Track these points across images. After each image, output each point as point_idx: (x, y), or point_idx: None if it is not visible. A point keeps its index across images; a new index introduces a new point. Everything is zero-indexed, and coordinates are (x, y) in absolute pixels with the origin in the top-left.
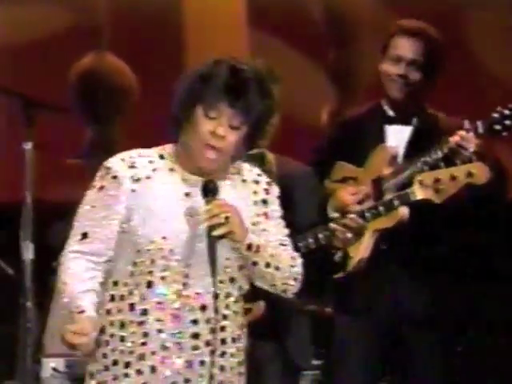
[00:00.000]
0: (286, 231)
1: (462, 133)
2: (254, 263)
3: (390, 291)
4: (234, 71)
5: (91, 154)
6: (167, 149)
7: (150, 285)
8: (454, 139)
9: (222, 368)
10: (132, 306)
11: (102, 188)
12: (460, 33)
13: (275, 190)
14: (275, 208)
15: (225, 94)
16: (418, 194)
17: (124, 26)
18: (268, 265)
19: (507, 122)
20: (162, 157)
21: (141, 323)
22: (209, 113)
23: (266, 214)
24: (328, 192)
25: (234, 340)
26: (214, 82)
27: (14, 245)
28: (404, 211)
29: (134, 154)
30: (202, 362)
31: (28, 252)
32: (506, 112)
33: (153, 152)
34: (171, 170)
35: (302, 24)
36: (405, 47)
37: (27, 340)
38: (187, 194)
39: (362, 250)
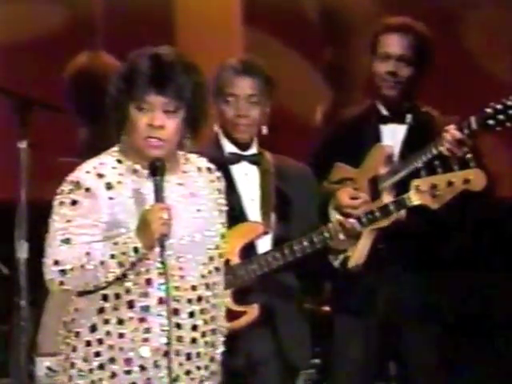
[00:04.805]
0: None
1: (455, 132)
2: None
3: (387, 290)
4: (154, 59)
5: (86, 153)
6: (115, 153)
7: (149, 282)
8: (447, 139)
9: (212, 359)
10: (131, 304)
11: (75, 203)
12: (455, 31)
13: (223, 178)
14: (224, 198)
15: (150, 83)
16: (414, 199)
17: (118, 25)
18: None
19: (501, 117)
20: (119, 161)
21: (142, 320)
22: (141, 106)
23: (222, 204)
24: (329, 192)
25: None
26: (138, 75)
27: (8, 244)
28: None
29: (95, 164)
30: (198, 354)
31: (22, 251)
32: (499, 106)
33: (109, 158)
34: (134, 171)
35: (297, 23)
36: (392, 44)
37: (22, 339)
38: None
39: (359, 250)
